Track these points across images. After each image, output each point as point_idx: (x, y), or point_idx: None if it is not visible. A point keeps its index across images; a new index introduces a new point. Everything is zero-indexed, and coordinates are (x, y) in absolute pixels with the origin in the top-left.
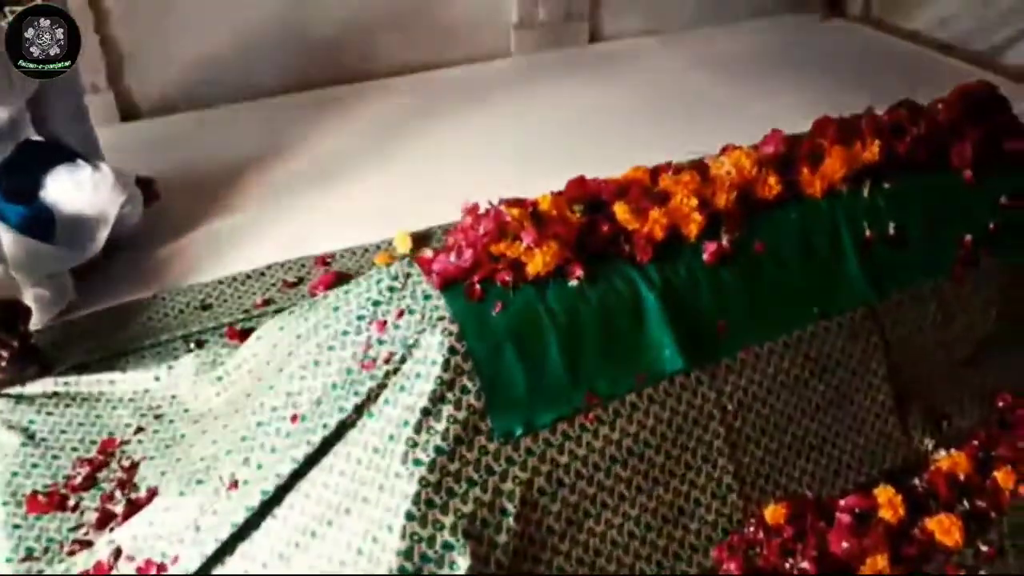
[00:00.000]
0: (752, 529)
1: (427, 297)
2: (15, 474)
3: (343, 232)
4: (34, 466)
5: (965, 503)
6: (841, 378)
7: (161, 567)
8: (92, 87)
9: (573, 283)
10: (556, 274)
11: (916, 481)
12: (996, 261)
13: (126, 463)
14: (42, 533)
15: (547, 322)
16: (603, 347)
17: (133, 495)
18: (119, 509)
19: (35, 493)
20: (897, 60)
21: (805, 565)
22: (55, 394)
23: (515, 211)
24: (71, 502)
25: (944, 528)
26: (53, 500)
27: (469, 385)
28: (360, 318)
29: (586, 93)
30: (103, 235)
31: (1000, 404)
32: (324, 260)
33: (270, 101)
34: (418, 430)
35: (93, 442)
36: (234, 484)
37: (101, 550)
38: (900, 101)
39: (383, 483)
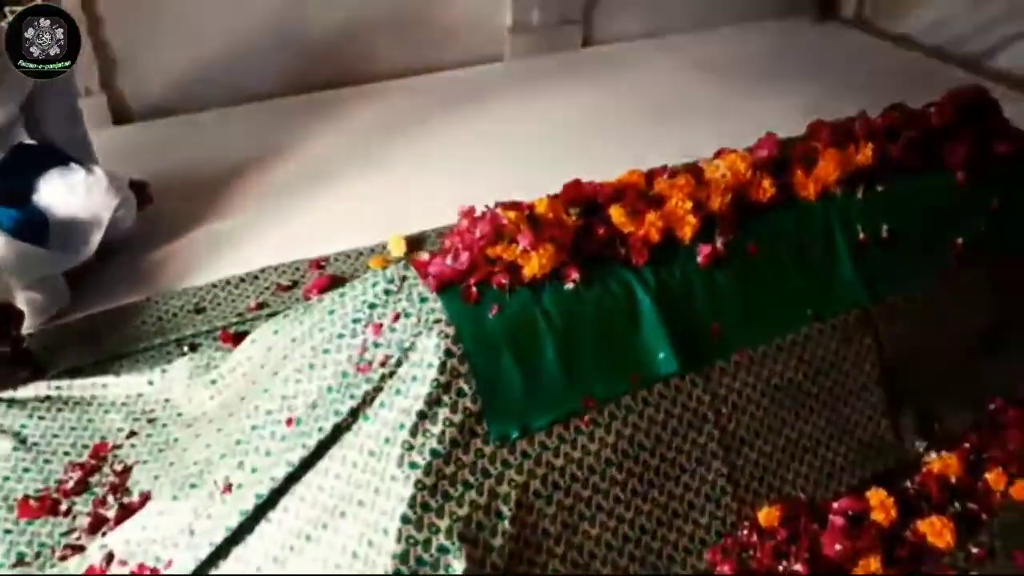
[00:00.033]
0: (746, 531)
1: (423, 300)
2: (6, 479)
3: (337, 235)
4: (26, 470)
5: (956, 505)
6: (835, 380)
7: (154, 571)
8: (85, 90)
9: (569, 286)
10: (552, 277)
11: (908, 483)
12: (988, 263)
13: (119, 467)
14: (34, 538)
15: (543, 325)
16: (599, 350)
17: (126, 499)
18: (112, 514)
19: (27, 498)
20: (890, 63)
21: (798, 567)
22: (47, 398)
23: (511, 214)
24: (63, 507)
25: (936, 530)
26: (45, 505)
27: (465, 388)
28: (356, 321)
29: (581, 96)
30: (96, 239)
31: (991, 407)
32: (318, 263)
33: (263, 104)
34: (414, 433)
35: (85, 446)
36: (228, 488)
37: (93, 555)
38: (893, 104)
39: (379, 486)
